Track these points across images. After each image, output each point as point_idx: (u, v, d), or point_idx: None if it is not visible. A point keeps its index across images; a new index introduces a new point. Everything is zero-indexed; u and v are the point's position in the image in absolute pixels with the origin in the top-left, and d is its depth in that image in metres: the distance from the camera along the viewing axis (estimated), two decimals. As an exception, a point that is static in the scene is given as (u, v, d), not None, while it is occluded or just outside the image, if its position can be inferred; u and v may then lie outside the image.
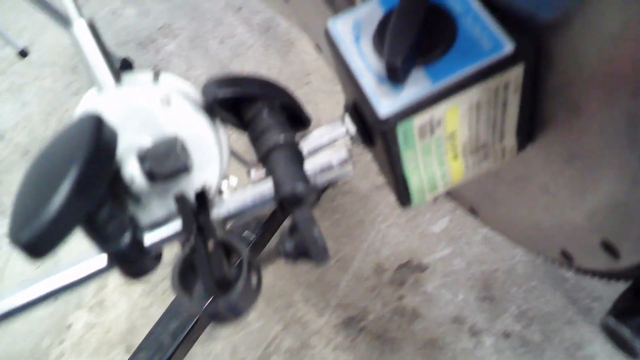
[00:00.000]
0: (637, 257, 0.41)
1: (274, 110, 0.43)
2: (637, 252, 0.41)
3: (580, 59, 0.34)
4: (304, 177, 0.40)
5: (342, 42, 0.41)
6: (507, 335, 1.28)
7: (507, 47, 0.37)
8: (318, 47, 0.80)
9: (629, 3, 0.28)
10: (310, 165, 0.42)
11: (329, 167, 0.42)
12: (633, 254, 0.42)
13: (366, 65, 0.40)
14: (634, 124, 0.32)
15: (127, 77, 0.43)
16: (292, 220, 0.40)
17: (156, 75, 0.44)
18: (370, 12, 0.42)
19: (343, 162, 0.42)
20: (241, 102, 0.44)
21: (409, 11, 0.38)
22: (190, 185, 0.42)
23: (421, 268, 1.33)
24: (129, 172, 0.40)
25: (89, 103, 0.42)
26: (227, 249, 0.40)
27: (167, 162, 0.40)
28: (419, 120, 0.38)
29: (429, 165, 0.43)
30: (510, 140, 0.44)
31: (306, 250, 0.38)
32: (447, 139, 0.41)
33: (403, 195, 0.45)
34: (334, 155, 0.42)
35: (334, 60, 0.43)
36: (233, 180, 0.45)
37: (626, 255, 0.42)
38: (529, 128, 0.43)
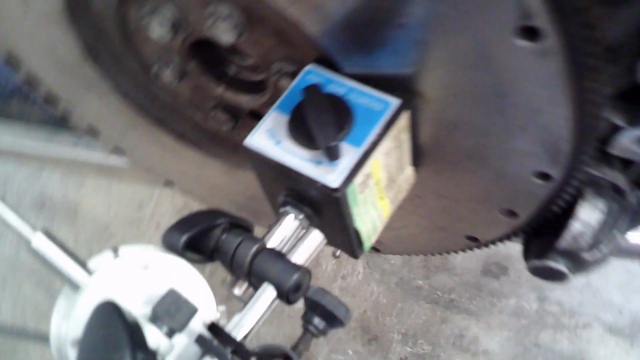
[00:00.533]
0: (531, 209, 0.56)
1: (231, 229, 0.48)
2: (529, 207, 0.55)
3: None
4: (295, 266, 0.46)
5: (266, 149, 0.49)
6: (404, 361, 1.39)
7: (394, 102, 0.49)
8: (170, 182, 0.85)
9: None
10: (295, 256, 0.47)
11: (310, 250, 0.48)
12: (526, 209, 0.56)
13: (298, 158, 0.48)
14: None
15: (92, 264, 0.44)
16: (308, 301, 0.45)
17: (115, 251, 0.46)
18: (276, 120, 0.50)
19: (321, 244, 0.48)
20: (198, 238, 0.48)
21: (314, 104, 0.47)
22: (199, 324, 0.44)
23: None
24: (152, 341, 0.41)
25: (72, 302, 0.42)
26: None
27: (180, 313, 0.42)
28: (358, 179, 0.47)
29: (368, 212, 0.52)
30: (409, 169, 0.55)
31: (332, 316, 0.44)
32: (375, 185, 0.51)
33: (357, 246, 0.53)
34: (313, 240, 0.48)
35: (261, 169, 0.50)
36: (221, 307, 0.48)
37: (522, 212, 0.56)
38: (416, 156, 0.55)
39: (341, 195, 0.46)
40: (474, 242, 0.65)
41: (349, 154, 0.47)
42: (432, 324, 1.43)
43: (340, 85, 0.50)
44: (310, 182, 0.47)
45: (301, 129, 0.48)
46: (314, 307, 0.45)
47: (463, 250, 0.68)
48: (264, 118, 0.51)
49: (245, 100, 0.65)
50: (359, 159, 0.47)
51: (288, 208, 0.51)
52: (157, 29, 0.58)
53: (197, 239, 0.48)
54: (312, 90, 0.48)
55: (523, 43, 0.40)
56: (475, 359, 1.43)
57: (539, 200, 0.54)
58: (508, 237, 0.63)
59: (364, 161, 0.47)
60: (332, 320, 0.45)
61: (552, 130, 0.46)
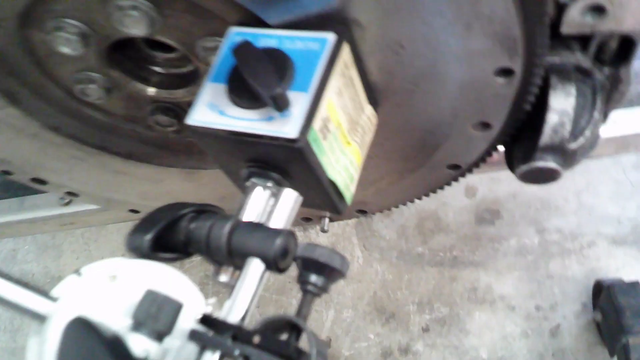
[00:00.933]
0: (503, 114, 0.53)
1: (199, 216, 0.44)
2: (500, 112, 0.53)
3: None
4: (276, 231, 0.42)
5: (212, 122, 0.45)
6: (426, 329, 1.36)
7: (330, 37, 0.45)
8: (134, 210, 0.80)
9: None
10: (273, 221, 0.44)
11: (287, 211, 0.44)
12: (498, 115, 0.53)
13: (248, 120, 0.44)
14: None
15: (55, 292, 0.40)
16: (299, 260, 0.41)
17: (78, 273, 0.41)
18: (213, 91, 0.46)
19: (297, 201, 0.44)
20: (166, 234, 0.44)
21: (249, 61, 0.43)
22: (188, 320, 0.40)
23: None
24: (139, 350, 0.37)
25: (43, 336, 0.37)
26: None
27: (163, 313, 0.38)
28: (317, 124, 0.44)
29: (339, 160, 0.48)
30: (368, 108, 0.52)
31: (328, 268, 0.40)
32: (337, 130, 0.47)
33: (338, 199, 0.49)
34: (287, 199, 0.44)
35: (213, 145, 0.46)
36: (211, 300, 0.44)
37: (495, 120, 0.53)
38: (372, 95, 0.52)
39: (304, 145, 0.43)
40: (457, 169, 0.62)
41: (299, 101, 0.43)
42: (443, 286, 1.40)
43: (270, 37, 0.47)
44: (268, 140, 0.43)
45: (242, 90, 0.44)
46: (308, 265, 0.41)
47: (448, 183, 0.65)
48: (199, 92, 0.47)
49: (182, 95, 0.61)
50: (311, 103, 0.43)
51: (254, 179, 0.47)
52: (67, 44, 0.53)
53: (164, 236, 0.44)
54: (243, 48, 0.44)
55: None
56: (494, 307, 1.40)
57: (507, 101, 0.52)
58: (489, 153, 0.60)
59: (317, 104, 0.44)
60: (330, 272, 0.41)
61: (498, 18, 0.43)
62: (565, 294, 1.61)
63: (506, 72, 0.48)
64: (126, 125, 0.66)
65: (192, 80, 0.59)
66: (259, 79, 0.42)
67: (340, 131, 0.48)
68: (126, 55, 0.58)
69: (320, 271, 0.41)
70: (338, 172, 0.48)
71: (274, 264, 0.41)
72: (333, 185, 0.48)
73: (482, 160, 0.61)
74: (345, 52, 0.46)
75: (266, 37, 0.47)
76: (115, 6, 0.50)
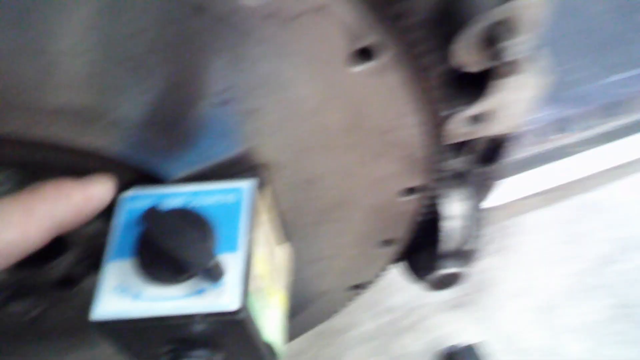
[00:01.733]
0: (404, 230, 0.53)
1: None
2: (402, 228, 0.53)
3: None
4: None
5: (126, 311, 0.37)
6: None
7: (246, 185, 0.42)
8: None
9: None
10: None
11: None
12: (400, 231, 0.54)
13: (173, 299, 0.38)
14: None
15: None
16: None
17: None
18: (118, 271, 0.39)
19: None
20: None
21: (163, 230, 0.38)
22: None
23: None
24: None
25: None
26: None
27: None
28: (252, 286, 0.39)
29: (269, 317, 0.44)
30: (285, 246, 0.49)
31: None
32: (264, 284, 0.43)
33: (271, 357, 0.44)
34: None
35: (125, 338, 0.39)
36: None
37: (397, 236, 0.54)
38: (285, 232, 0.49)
39: (245, 315, 0.38)
40: (358, 289, 0.61)
41: (229, 264, 0.38)
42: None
43: (175, 196, 0.42)
44: (203, 319, 0.37)
45: (158, 263, 0.38)
46: None
47: (351, 300, 0.63)
48: (100, 277, 0.39)
49: (48, 271, 0.51)
50: (244, 264, 0.39)
51: (185, 364, 0.40)
52: None
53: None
54: (152, 215, 0.39)
55: (360, 67, 0.38)
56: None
57: (409, 217, 0.53)
58: (386, 267, 0.60)
59: (249, 264, 0.39)
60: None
61: (406, 144, 0.44)
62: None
63: (410, 191, 0.49)
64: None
65: (59, 253, 0.50)
66: (187, 251, 0.36)
67: (267, 284, 0.44)
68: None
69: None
70: (273, 331, 0.44)
71: None
72: (269, 347, 0.43)
73: (381, 274, 0.61)
74: (266, 196, 0.43)
75: (171, 197, 0.42)
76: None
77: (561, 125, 0.96)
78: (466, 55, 0.43)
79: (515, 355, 1.68)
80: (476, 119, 0.52)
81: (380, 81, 0.39)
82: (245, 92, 0.38)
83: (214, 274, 0.37)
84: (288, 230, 0.50)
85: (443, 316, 1.70)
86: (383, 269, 0.60)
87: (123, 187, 0.42)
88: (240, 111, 0.39)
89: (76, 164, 0.41)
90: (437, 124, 0.45)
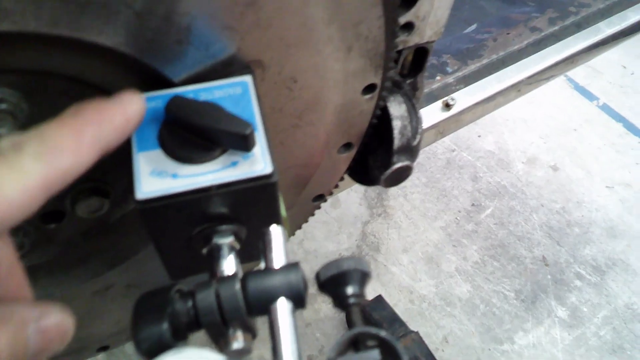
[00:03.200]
0: (362, 131, 0.60)
1: (184, 293, 0.39)
2: (361, 129, 0.60)
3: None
4: (288, 267, 0.40)
5: (169, 189, 0.40)
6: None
7: (248, 79, 0.46)
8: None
9: None
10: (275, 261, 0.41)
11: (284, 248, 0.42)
12: (359, 133, 0.60)
13: (211, 173, 0.41)
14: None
15: None
16: (327, 283, 0.40)
17: None
18: (149, 161, 0.41)
19: (284, 235, 0.43)
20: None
21: (196, 111, 0.41)
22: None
23: None
24: None
25: None
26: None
27: None
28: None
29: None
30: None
31: (361, 273, 0.41)
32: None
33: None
34: (277, 235, 0.42)
35: (165, 220, 0.42)
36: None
37: (356, 139, 0.61)
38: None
39: (277, 177, 0.42)
40: (321, 199, 0.66)
41: (258, 134, 0.43)
42: None
43: (184, 94, 0.45)
44: (243, 185, 0.41)
45: (188, 146, 0.41)
46: (338, 282, 0.40)
47: (312, 214, 0.68)
48: (134, 167, 0.41)
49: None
50: (265, 138, 0.43)
51: (217, 240, 0.43)
52: None
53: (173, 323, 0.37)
54: (178, 102, 0.42)
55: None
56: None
57: (368, 117, 0.60)
58: (343, 175, 0.66)
59: (269, 138, 0.44)
60: (362, 277, 0.41)
61: (371, 37, 0.51)
62: (326, 335, 1.75)
63: (371, 88, 0.56)
64: None
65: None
66: (226, 122, 0.40)
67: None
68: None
69: (351, 281, 0.41)
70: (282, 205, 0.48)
71: (300, 299, 0.39)
72: (283, 217, 0.48)
73: (337, 184, 0.67)
74: (255, 90, 0.48)
75: (178, 95, 0.45)
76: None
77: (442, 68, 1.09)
78: None
79: (414, 303, 1.83)
80: (408, 26, 0.61)
81: (357, -29, 0.45)
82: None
83: (248, 143, 0.41)
84: (269, 135, 0.54)
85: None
86: (341, 177, 0.66)
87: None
88: (240, 3, 0.43)
89: (81, 70, 0.43)
90: (394, 19, 0.52)
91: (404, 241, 1.99)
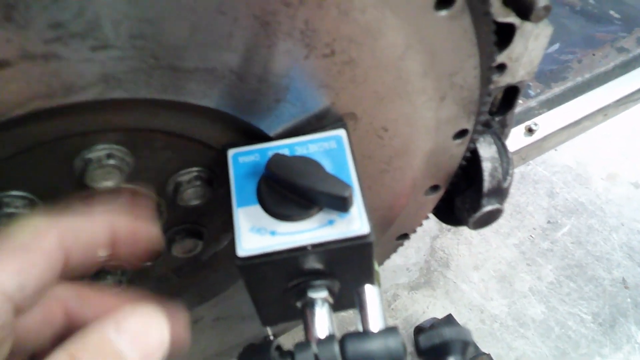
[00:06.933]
0: (450, 174, 0.59)
1: (282, 351, 0.40)
2: (449, 172, 0.59)
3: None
4: (387, 332, 0.40)
5: (267, 247, 0.41)
6: None
7: (342, 133, 0.46)
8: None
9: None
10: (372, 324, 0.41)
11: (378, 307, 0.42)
12: (447, 176, 0.59)
13: (308, 231, 0.42)
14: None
15: None
16: (429, 351, 0.40)
17: None
18: (248, 217, 0.42)
19: (379, 294, 0.43)
20: None
21: (297, 170, 0.42)
22: None
23: None
24: None
25: None
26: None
27: None
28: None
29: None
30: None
31: (464, 343, 0.40)
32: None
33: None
34: (372, 295, 0.42)
35: (263, 275, 0.42)
36: None
37: (444, 182, 0.60)
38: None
39: (374, 237, 0.42)
40: (404, 238, 0.66)
41: (356, 200, 0.43)
42: None
43: (279, 148, 0.46)
44: (339, 244, 0.41)
45: (285, 204, 0.42)
46: (441, 351, 0.40)
47: (395, 251, 0.68)
48: (235, 222, 0.42)
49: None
50: (361, 196, 0.43)
51: (311, 294, 0.44)
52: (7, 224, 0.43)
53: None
54: (278, 160, 0.42)
55: (443, 13, 0.43)
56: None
57: (458, 161, 0.59)
58: (428, 215, 0.66)
59: (364, 196, 0.44)
60: (464, 347, 0.40)
61: (466, 86, 0.50)
62: None
63: (463, 133, 0.55)
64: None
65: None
66: (326, 184, 0.41)
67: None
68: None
69: (454, 350, 0.40)
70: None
71: None
72: (377, 273, 0.48)
73: (421, 223, 0.66)
74: (348, 145, 0.48)
75: (275, 149, 0.45)
76: (84, 160, 0.42)
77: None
78: (498, 6, 0.50)
79: (484, 323, 1.79)
80: (500, 67, 0.59)
81: (456, 24, 0.45)
82: (347, 43, 0.42)
83: (346, 203, 0.41)
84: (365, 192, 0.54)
85: (414, 294, 1.78)
86: (426, 217, 0.65)
87: (230, 145, 0.46)
88: (338, 62, 0.43)
89: (183, 127, 0.44)
90: (489, 68, 0.51)
91: (474, 258, 1.94)
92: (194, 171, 0.48)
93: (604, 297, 1.88)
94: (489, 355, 1.54)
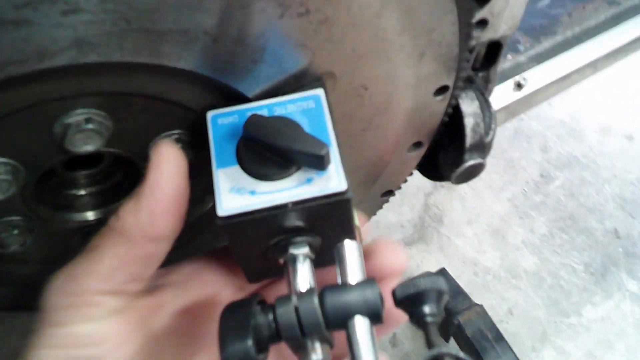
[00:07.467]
0: (433, 130, 0.60)
1: (265, 306, 0.41)
2: (432, 129, 0.59)
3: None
4: (365, 283, 0.41)
5: (248, 206, 0.42)
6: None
7: (320, 92, 0.47)
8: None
9: None
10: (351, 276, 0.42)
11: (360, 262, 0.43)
12: (429, 132, 0.60)
13: (287, 190, 0.42)
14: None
15: None
16: (404, 301, 0.41)
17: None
18: (227, 176, 0.43)
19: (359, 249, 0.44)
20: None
21: (274, 130, 0.42)
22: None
23: None
24: None
25: None
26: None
27: None
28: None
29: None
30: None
31: (438, 292, 0.41)
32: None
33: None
34: (352, 250, 0.43)
35: (245, 234, 0.43)
36: None
37: (426, 138, 0.60)
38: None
39: (351, 194, 0.43)
40: (389, 194, 0.67)
41: (333, 154, 0.44)
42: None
43: (258, 109, 0.46)
44: (318, 201, 0.42)
45: (265, 164, 0.43)
46: (416, 300, 0.41)
47: (381, 207, 0.69)
48: (215, 183, 0.43)
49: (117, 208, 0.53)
50: (339, 154, 0.44)
51: (292, 250, 0.45)
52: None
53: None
54: (255, 121, 0.43)
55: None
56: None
57: (439, 117, 0.59)
58: (412, 171, 0.66)
59: (342, 154, 0.44)
60: (439, 296, 0.42)
61: (445, 42, 0.51)
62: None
63: (443, 89, 0.56)
64: (47, 269, 0.54)
65: (127, 188, 0.53)
66: (303, 143, 0.41)
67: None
68: (45, 185, 0.49)
69: (429, 299, 0.42)
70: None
71: (378, 315, 0.40)
72: (357, 227, 0.49)
73: (406, 179, 0.67)
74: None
75: (254, 110, 0.46)
76: (63, 125, 0.43)
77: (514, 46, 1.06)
78: None
79: (477, 275, 1.82)
80: (482, 23, 0.59)
81: (433, -19, 0.45)
82: (323, 1, 0.42)
83: (324, 162, 0.42)
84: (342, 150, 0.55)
85: (408, 249, 1.81)
86: (410, 173, 0.66)
87: (210, 106, 0.46)
88: (314, 21, 0.43)
89: (161, 90, 0.44)
90: (467, 23, 0.51)
91: (468, 213, 1.97)
92: (174, 134, 0.49)
93: (595, 248, 1.91)
94: (481, 306, 1.57)
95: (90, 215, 0.52)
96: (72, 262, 0.42)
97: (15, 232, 0.48)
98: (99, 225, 0.52)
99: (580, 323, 1.75)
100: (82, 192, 0.53)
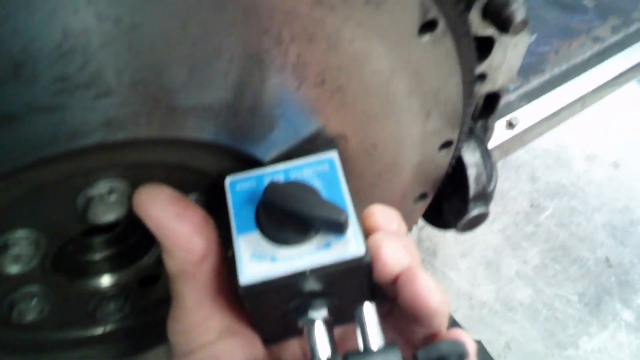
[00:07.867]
0: (437, 182, 0.61)
1: None
2: (437, 181, 0.61)
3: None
4: (388, 348, 0.42)
5: (269, 273, 0.42)
6: None
7: (334, 155, 0.48)
8: None
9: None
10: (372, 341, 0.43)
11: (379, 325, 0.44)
12: (434, 184, 0.62)
13: (307, 255, 0.43)
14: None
15: None
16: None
17: None
18: (248, 244, 0.44)
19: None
20: None
21: (292, 197, 0.43)
22: None
23: None
24: None
25: None
26: None
27: None
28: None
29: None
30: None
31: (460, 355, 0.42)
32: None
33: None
34: (371, 313, 0.44)
35: (265, 299, 0.44)
36: None
37: (431, 190, 0.62)
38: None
39: (370, 258, 0.44)
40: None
41: (352, 220, 0.45)
42: None
43: (275, 173, 0.47)
44: (336, 267, 0.43)
45: (284, 230, 0.44)
46: None
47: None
48: (235, 250, 0.44)
49: (134, 272, 0.54)
50: (355, 218, 0.45)
51: (311, 313, 0.46)
52: (15, 263, 0.44)
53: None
54: (273, 188, 0.44)
55: (426, 37, 0.45)
56: None
57: (444, 169, 0.61)
58: (417, 222, 0.68)
59: (359, 217, 0.46)
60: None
61: (450, 101, 0.53)
62: None
63: (447, 144, 0.57)
64: (58, 334, 0.55)
65: (143, 250, 0.54)
66: (321, 209, 0.42)
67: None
68: (63, 253, 0.50)
69: (451, 361, 0.42)
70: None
71: None
72: (375, 289, 0.50)
73: (411, 230, 0.68)
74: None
75: (271, 175, 0.47)
76: (86, 197, 0.44)
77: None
78: (477, 21, 0.52)
79: (473, 309, 1.83)
80: (481, 77, 0.61)
81: (439, 46, 0.47)
82: (337, 71, 0.44)
83: (342, 227, 0.43)
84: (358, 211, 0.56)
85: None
86: (415, 223, 0.67)
87: (226, 172, 0.47)
88: (328, 89, 0.45)
89: (181, 159, 0.46)
90: (471, 82, 0.53)
91: (461, 246, 1.98)
92: (191, 197, 0.50)
93: (588, 277, 1.93)
94: (479, 342, 1.58)
95: (106, 279, 0.53)
96: None
97: (34, 301, 0.48)
98: (115, 289, 0.53)
99: (577, 355, 1.76)
100: (98, 256, 0.53)
